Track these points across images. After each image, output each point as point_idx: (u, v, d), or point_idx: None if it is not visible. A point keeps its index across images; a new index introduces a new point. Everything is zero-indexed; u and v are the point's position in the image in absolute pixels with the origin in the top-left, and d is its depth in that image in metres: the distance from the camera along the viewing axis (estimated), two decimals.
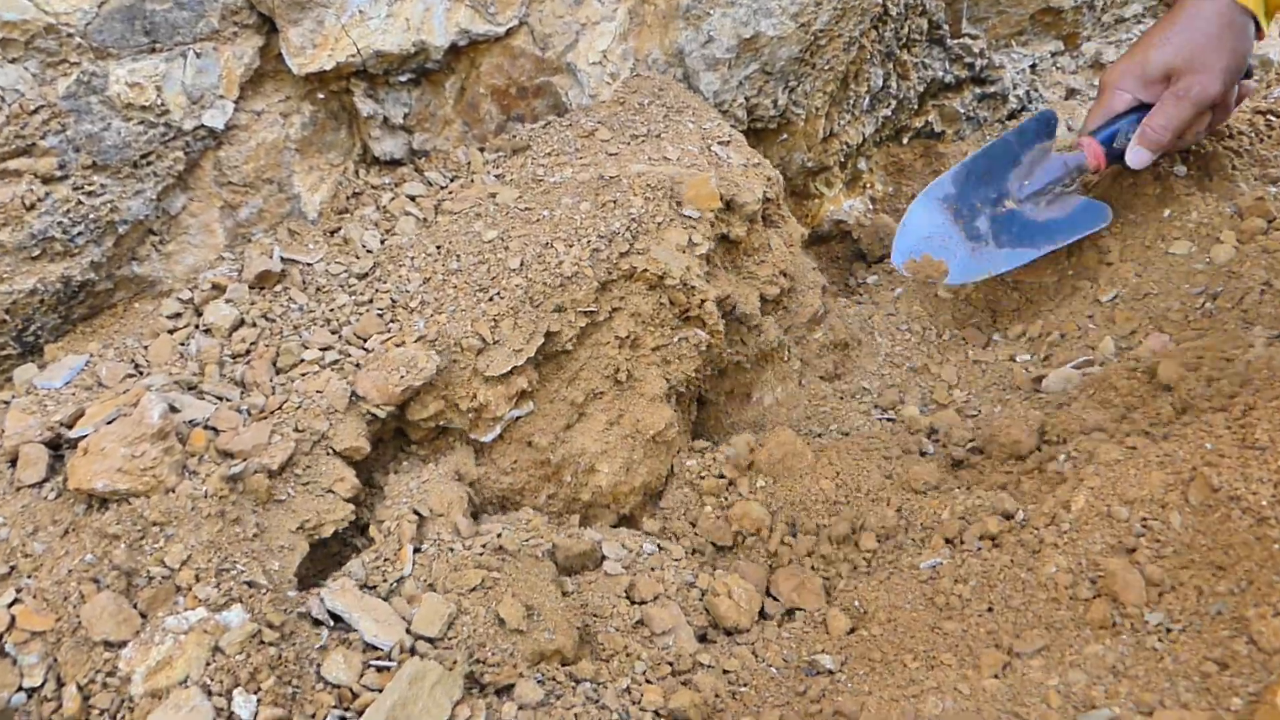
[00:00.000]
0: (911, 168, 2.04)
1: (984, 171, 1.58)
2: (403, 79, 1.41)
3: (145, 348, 1.21)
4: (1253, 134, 1.68)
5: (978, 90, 2.03)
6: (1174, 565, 0.88)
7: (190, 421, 1.04)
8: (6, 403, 1.10)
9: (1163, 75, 1.38)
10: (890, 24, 1.75)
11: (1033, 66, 2.12)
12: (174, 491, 0.96)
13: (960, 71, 1.97)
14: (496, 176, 1.44)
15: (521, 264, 1.23)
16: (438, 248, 1.30)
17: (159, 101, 1.20)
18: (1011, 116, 2.08)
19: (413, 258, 1.30)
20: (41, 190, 1.13)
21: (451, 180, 1.46)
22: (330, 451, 1.06)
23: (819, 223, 1.92)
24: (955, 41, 1.94)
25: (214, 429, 1.04)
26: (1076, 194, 1.56)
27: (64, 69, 1.14)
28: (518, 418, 1.16)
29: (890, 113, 1.90)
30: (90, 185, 1.17)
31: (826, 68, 1.65)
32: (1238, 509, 0.87)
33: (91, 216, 1.17)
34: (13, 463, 1.00)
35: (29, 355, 1.21)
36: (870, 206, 1.99)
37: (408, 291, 1.24)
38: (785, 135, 1.72)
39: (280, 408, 1.08)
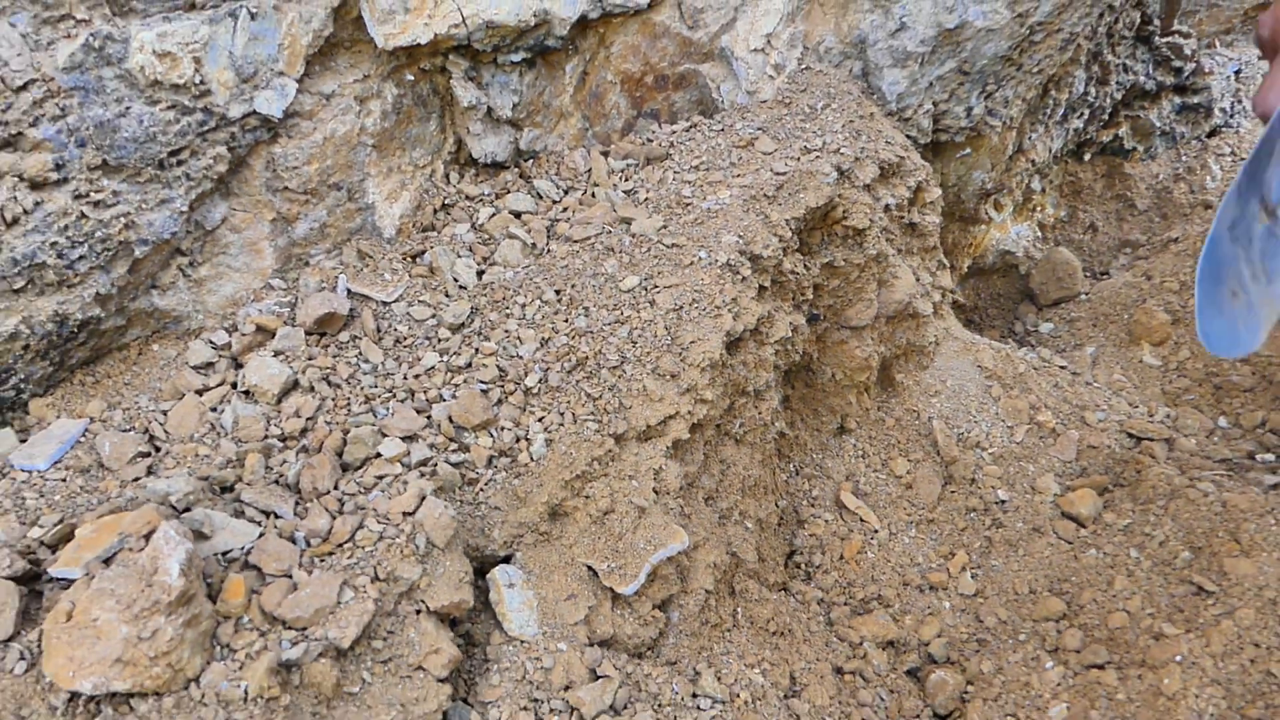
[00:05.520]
0: (1090, 190, 1.69)
1: (1251, 169, 0.93)
2: (515, 59, 1.07)
3: (164, 413, 0.89)
4: None
5: (1178, 100, 1.67)
6: None
7: (224, 556, 0.73)
8: None
9: None
10: (1108, 16, 1.40)
11: (1237, 73, 1.75)
12: (197, 684, 0.64)
13: (1163, 76, 1.62)
14: (626, 193, 1.11)
15: (671, 334, 0.90)
16: (556, 293, 0.98)
17: (197, 78, 0.86)
18: (1212, 134, 1.73)
19: (523, 304, 0.97)
20: (29, 199, 0.81)
21: (566, 193, 1.13)
22: (422, 610, 0.74)
23: (982, 252, 1.58)
24: (1164, 40, 1.58)
25: (257, 569, 0.73)
26: None
27: (67, 29, 0.81)
28: (666, 558, 0.84)
29: (1081, 124, 1.55)
30: (98, 192, 0.84)
31: (1035, 70, 1.30)
32: None
33: (99, 235, 0.85)
34: None
35: (8, 412, 0.89)
36: (1039, 234, 1.64)
37: (519, 357, 0.92)
38: (968, 150, 1.37)
39: (352, 538, 0.76)
